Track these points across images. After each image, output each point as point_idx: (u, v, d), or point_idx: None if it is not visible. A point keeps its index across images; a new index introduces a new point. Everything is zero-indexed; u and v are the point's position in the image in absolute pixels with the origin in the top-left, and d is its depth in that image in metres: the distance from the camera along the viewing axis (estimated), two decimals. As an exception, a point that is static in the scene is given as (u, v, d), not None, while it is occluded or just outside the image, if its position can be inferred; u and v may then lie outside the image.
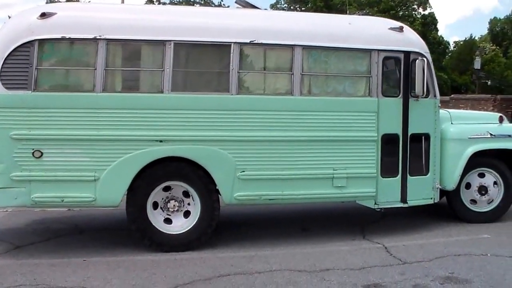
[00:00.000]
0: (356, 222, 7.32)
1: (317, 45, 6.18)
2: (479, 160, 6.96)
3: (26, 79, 5.47)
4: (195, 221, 5.96)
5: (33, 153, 5.51)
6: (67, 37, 5.54)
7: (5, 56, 5.45)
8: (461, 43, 50.29)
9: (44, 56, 5.54)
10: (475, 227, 6.85)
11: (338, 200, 6.60)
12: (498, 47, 49.15)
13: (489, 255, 5.71)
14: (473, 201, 7.08)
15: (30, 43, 5.47)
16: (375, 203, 6.45)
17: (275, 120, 6.04)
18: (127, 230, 6.67)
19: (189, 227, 5.96)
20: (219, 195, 6.05)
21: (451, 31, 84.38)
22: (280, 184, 6.09)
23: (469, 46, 47.14)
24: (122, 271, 5.23)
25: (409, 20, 40.73)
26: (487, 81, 39.39)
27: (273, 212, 7.98)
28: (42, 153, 5.52)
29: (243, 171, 5.95)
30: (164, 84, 5.74)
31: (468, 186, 7.05)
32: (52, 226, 7.03)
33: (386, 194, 6.47)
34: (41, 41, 5.50)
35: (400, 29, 6.57)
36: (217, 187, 5.99)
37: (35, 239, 6.36)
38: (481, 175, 7.07)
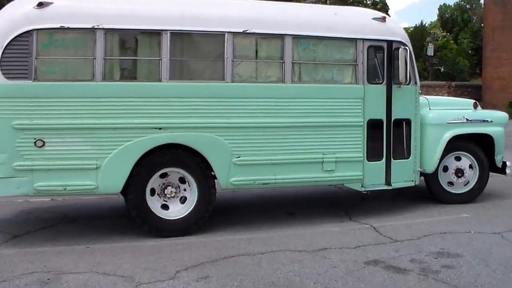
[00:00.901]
0: (338, 205, 7.64)
1: (306, 34, 6.42)
2: (455, 144, 7.38)
3: (26, 69, 5.50)
4: (192, 206, 6.14)
5: (35, 142, 5.55)
6: (66, 27, 5.58)
7: (4, 46, 5.45)
8: (412, 29, 51.54)
9: (43, 46, 5.57)
10: (453, 208, 7.27)
11: (328, 184, 6.89)
12: (448, 34, 50.65)
13: (472, 232, 6.12)
14: (450, 183, 7.51)
15: (29, 32, 5.49)
16: (362, 186, 6.78)
17: (268, 107, 6.26)
18: (118, 218, 6.85)
19: (187, 212, 6.13)
20: (215, 181, 6.25)
21: (400, 17, 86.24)
22: (273, 168, 6.33)
23: (419, 33, 48.38)
24: (128, 256, 5.37)
25: (360, 6, 41.43)
26: (439, 67, 40.58)
27: (258, 197, 8.23)
28: (44, 143, 5.57)
29: (239, 157, 6.16)
30: (162, 73, 5.87)
31: (445, 169, 7.47)
32: (41, 216, 7.06)
33: (372, 177, 6.81)
34: (39, 31, 5.53)
35: (383, 19, 6.89)
36: (213, 173, 6.19)
37: (30, 229, 6.40)
38: (458, 159, 7.50)
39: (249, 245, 5.76)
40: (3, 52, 5.45)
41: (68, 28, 5.60)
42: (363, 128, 6.68)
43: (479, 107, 7.73)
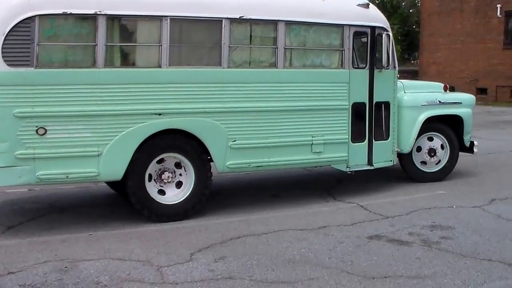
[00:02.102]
0: (318, 187, 7.92)
1: (298, 20, 6.61)
2: (428, 126, 7.82)
3: (28, 56, 5.40)
4: (190, 191, 6.25)
5: (37, 130, 5.49)
6: (68, 13, 5.52)
7: (6, 32, 5.32)
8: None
9: (45, 32, 5.48)
10: (427, 186, 7.71)
11: (316, 165, 7.18)
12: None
13: (454, 207, 6.58)
14: (423, 163, 7.97)
15: (31, 18, 5.39)
16: (347, 167, 7.11)
17: (262, 91, 6.45)
18: (106, 205, 6.91)
19: (185, 197, 6.24)
20: (211, 165, 6.39)
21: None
22: (267, 151, 6.53)
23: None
24: (136, 242, 5.44)
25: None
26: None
27: (238, 181, 8.40)
28: (46, 130, 5.51)
29: (234, 141, 6.32)
30: (162, 59, 5.92)
31: (419, 149, 7.91)
32: (26, 207, 6.93)
33: (356, 158, 7.15)
34: (42, 17, 5.43)
35: (367, 5, 7.19)
36: (209, 157, 6.32)
37: (21, 219, 6.28)
38: (430, 139, 7.96)
39: (249, 226, 5.95)
40: (5, 39, 5.33)
41: (71, 14, 5.54)
42: (348, 111, 6.99)
43: (448, 90, 8.21)
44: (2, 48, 5.34)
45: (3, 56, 5.34)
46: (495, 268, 4.57)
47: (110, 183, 7.25)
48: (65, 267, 4.74)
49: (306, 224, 5.99)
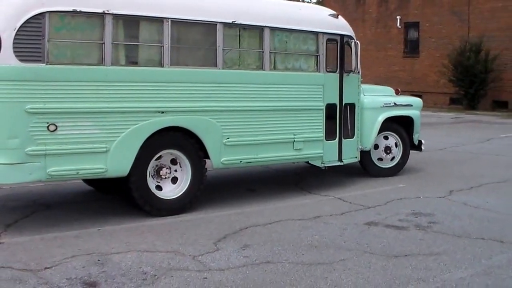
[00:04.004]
0: (287, 181, 8.42)
1: (281, 27, 7.09)
2: (384, 125, 8.57)
3: (39, 52, 5.37)
4: (187, 186, 6.46)
5: (48, 126, 5.45)
6: (78, 10, 5.55)
7: (17, 27, 5.27)
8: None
9: (55, 29, 5.47)
10: (386, 180, 8.43)
11: (297, 161, 7.68)
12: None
13: (421, 197, 7.32)
14: (380, 159, 8.72)
15: (41, 14, 5.36)
16: (322, 162, 7.66)
17: (252, 92, 6.84)
18: (92, 201, 6.99)
19: (182, 192, 6.44)
20: (205, 161, 6.64)
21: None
22: (255, 148, 6.91)
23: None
24: (152, 235, 5.57)
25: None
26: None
27: (216, 177, 8.62)
28: (56, 127, 5.49)
29: (228, 138, 6.63)
30: (164, 58, 6.10)
31: (376, 147, 8.64)
32: (8, 205, 6.77)
33: (329, 154, 7.73)
34: (52, 13, 5.43)
35: (336, 16, 7.83)
36: (203, 154, 6.56)
37: (15, 217, 6.15)
38: (386, 138, 8.73)
39: (249, 218, 6.27)
40: (16, 34, 5.27)
41: (80, 12, 5.57)
42: (323, 111, 7.55)
43: (400, 93, 9.06)
44: (14, 43, 5.28)
45: (14, 51, 5.28)
46: (491, 245, 5.29)
47: (88, 180, 7.21)
48: (98, 260, 4.81)
49: (300, 214, 6.42)
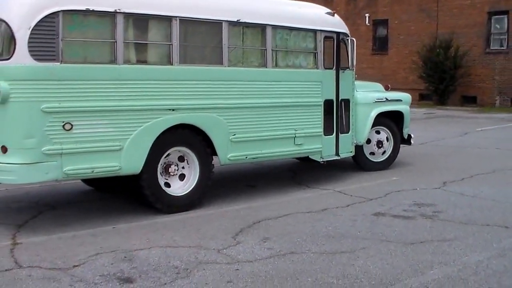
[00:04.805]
0: (283, 177, 8.58)
1: (282, 25, 7.24)
2: (375, 120, 8.81)
3: (54, 51, 5.38)
4: (195, 183, 6.54)
5: (63, 125, 5.46)
6: (91, 9, 5.57)
7: (32, 26, 5.26)
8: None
9: (68, 27, 5.48)
10: (379, 174, 8.66)
11: (298, 156, 7.85)
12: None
13: (418, 189, 7.57)
14: (372, 153, 8.95)
15: (55, 13, 5.37)
16: (321, 157, 7.85)
17: (256, 89, 6.98)
18: (95, 201, 6.99)
19: (191, 188, 6.52)
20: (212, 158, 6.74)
21: None
22: (260, 144, 7.04)
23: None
24: (167, 231, 5.62)
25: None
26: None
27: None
28: (72, 126, 5.50)
29: (234, 135, 6.74)
30: (173, 57, 6.17)
31: (368, 141, 8.86)
32: (12, 206, 6.74)
33: (327, 149, 7.92)
34: (66, 12, 5.44)
35: (333, 14, 8.03)
36: (209, 150, 6.65)
37: (25, 218, 6.14)
38: (378, 132, 8.97)
39: (258, 212, 6.39)
40: (31, 33, 5.26)
41: (93, 11, 5.59)
42: (322, 107, 7.73)
43: (389, 89, 9.32)
44: (29, 42, 5.28)
45: (29, 51, 5.28)
46: (497, 230, 5.56)
47: (88, 180, 7.20)
48: (125, 257, 4.86)
49: (307, 207, 6.58)
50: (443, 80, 22.06)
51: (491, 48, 22.04)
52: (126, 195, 7.06)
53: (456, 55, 21.88)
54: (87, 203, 6.90)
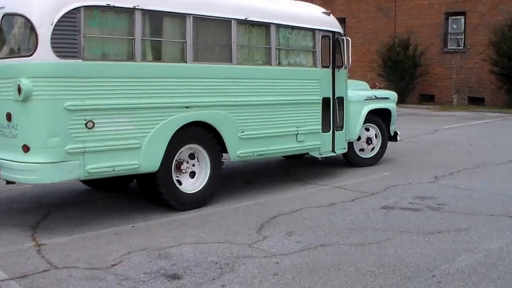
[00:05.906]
0: (278, 174, 8.72)
1: (284, 23, 7.38)
2: (366, 118, 9.07)
3: (76, 47, 5.32)
4: (206, 180, 6.60)
5: (86, 124, 5.41)
6: (111, 5, 5.53)
7: (54, 23, 5.19)
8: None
9: (89, 24, 5.43)
10: (370, 170, 8.90)
11: (299, 152, 7.99)
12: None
13: (413, 183, 7.86)
14: (361, 150, 9.23)
15: (77, 9, 5.31)
16: (319, 153, 8.04)
17: (263, 86, 7.09)
18: (100, 200, 6.99)
19: (202, 185, 6.57)
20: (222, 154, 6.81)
21: None
22: (265, 141, 7.16)
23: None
24: (189, 228, 5.66)
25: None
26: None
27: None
28: (94, 124, 5.46)
29: (243, 132, 6.83)
30: (187, 54, 6.20)
31: (358, 138, 9.13)
32: (15, 207, 6.59)
33: (325, 145, 8.12)
34: (87, 8, 5.39)
35: (329, 14, 8.23)
36: (220, 147, 6.72)
37: (36, 218, 6.06)
38: (367, 129, 9.25)
39: (269, 207, 6.50)
40: (53, 29, 5.19)
41: (114, 7, 5.56)
42: (320, 104, 7.92)
43: (377, 87, 9.62)
44: (51, 38, 5.20)
45: (52, 47, 5.21)
46: (504, 220, 5.89)
47: (89, 181, 7.11)
48: (159, 255, 4.87)
49: (315, 203, 6.74)
50: (403, 79, 22.76)
51: (448, 47, 22.93)
52: (123, 194, 7.18)
53: (414, 54, 22.62)
54: (95, 201, 6.84)
